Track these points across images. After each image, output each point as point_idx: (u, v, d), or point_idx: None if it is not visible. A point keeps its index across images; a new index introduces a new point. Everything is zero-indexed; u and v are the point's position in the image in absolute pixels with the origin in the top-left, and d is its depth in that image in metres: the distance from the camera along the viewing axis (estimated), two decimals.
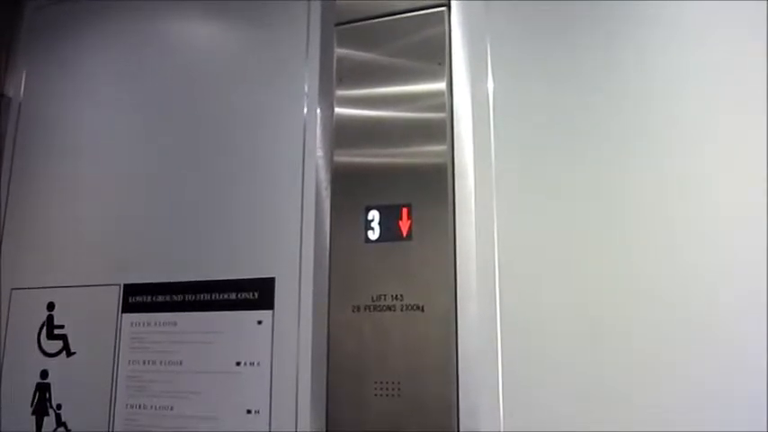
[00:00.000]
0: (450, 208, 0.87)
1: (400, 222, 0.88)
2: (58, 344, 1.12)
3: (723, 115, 0.78)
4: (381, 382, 0.84)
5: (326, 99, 1.00)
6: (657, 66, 0.82)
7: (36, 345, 1.14)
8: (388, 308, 0.86)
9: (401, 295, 0.86)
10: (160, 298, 1.05)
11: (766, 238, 0.72)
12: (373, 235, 0.89)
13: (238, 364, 0.97)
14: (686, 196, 0.77)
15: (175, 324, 1.03)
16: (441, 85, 0.91)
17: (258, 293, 0.98)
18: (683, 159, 0.78)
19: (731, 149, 0.76)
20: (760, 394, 0.70)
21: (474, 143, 0.89)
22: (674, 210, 0.77)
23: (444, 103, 0.91)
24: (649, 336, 0.75)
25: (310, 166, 0.99)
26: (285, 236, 0.97)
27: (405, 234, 0.87)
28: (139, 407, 1.03)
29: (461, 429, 0.80)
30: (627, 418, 0.74)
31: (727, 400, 0.71)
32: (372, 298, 0.87)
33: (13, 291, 1.19)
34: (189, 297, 1.03)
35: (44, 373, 1.12)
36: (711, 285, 0.74)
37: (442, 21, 0.93)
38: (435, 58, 0.92)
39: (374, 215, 0.90)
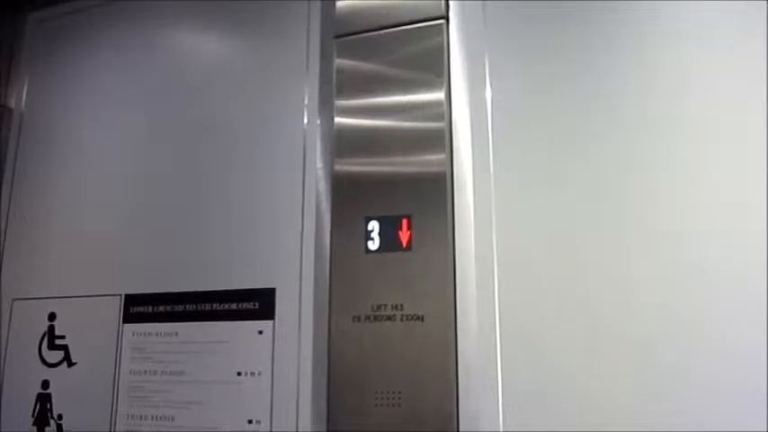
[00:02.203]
0: (450, 218, 0.88)
1: (400, 233, 0.88)
2: (59, 354, 1.12)
3: (723, 116, 0.78)
4: (382, 392, 0.85)
5: (326, 109, 1.00)
6: (658, 65, 0.82)
7: (37, 355, 1.14)
8: (389, 318, 0.86)
9: (401, 305, 0.86)
10: (161, 308, 1.06)
11: (767, 240, 0.73)
12: (373, 245, 0.89)
13: (239, 374, 0.97)
14: (686, 199, 0.78)
15: (176, 334, 1.04)
16: (440, 96, 0.92)
17: (259, 304, 0.98)
18: (683, 164, 0.79)
19: (731, 151, 0.77)
20: (760, 394, 0.70)
21: (473, 153, 0.89)
22: (675, 216, 0.78)
23: (443, 112, 0.91)
24: (650, 339, 0.75)
25: (310, 177, 1.00)
26: (285, 246, 0.98)
27: (405, 244, 0.88)
28: (140, 417, 1.03)
29: None
30: (628, 423, 0.74)
31: (727, 401, 0.71)
32: (372, 308, 0.87)
33: (15, 301, 1.19)
34: (190, 307, 1.03)
35: (45, 384, 1.12)
36: (713, 286, 0.74)
37: (441, 33, 0.93)
38: (434, 69, 0.93)
39: (374, 225, 0.90)
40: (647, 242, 0.78)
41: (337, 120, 0.97)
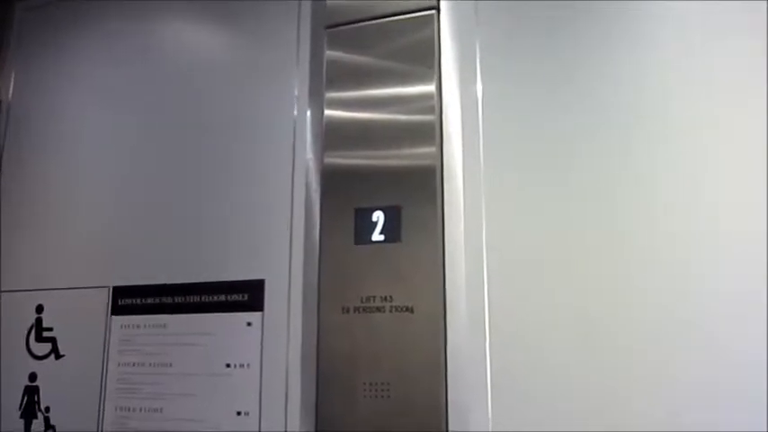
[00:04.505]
0: (440, 209, 0.88)
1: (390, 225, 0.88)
2: (47, 346, 1.12)
3: (722, 117, 0.78)
4: (371, 384, 0.85)
5: (316, 101, 1.00)
6: (652, 64, 0.82)
7: (25, 348, 1.13)
8: (378, 309, 0.86)
9: (390, 296, 0.86)
10: (150, 300, 1.05)
11: (766, 240, 0.73)
12: (363, 237, 0.89)
13: (228, 365, 0.97)
14: (683, 197, 0.78)
15: (165, 326, 1.03)
16: (430, 88, 0.92)
17: (248, 295, 0.98)
18: (679, 159, 0.79)
19: (730, 151, 0.77)
20: (760, 394, 0.70)
21: (463, 145, 0.89)
22: (671, 210, 0.78)
23: (434, 105, 0.91)
24: (646, 337, 0.75)
25: (300, 168, 0.99)
26: (275, 238, 0.97)
27: (394, 236, 0.88)
28: (129, 409, 1.02)
29: (450, 429, 0.81)
30: (621, 419, 0.74)
31: (726, 401, 0.71)
32: (362, 299, 0.87)
33: (2, 293, 1.18)
34: (178, 299, 1.03)
35: (33, 376, 1.12)
36: (710, 286, 0.74)
37: (432, 24, 0.93)
38: (425, 60, 0.93)
39: (364, 217, 0.90)
40: (641, 235, 0.78)
41: (327, 112, 0.97)
